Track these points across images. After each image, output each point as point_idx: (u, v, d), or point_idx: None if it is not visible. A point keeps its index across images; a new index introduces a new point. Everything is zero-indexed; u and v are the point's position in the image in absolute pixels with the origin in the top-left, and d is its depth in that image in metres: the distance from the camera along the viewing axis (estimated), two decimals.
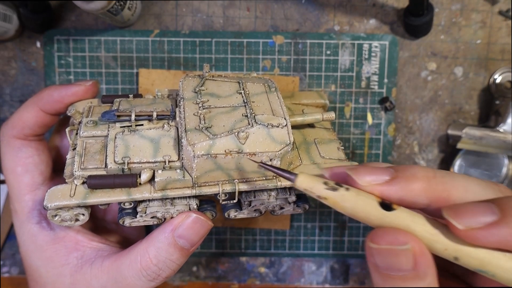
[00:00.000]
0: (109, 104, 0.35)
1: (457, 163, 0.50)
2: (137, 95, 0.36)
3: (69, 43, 0.49)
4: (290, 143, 0.30)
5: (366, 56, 0.50)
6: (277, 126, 0.30)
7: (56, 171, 0.38)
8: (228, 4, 0.49)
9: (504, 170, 0.48)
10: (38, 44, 0.49)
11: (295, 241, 0.51)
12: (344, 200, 0.23)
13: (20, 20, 0.47)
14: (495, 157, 0.49)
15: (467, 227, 0.21)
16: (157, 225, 0.33)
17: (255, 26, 0.49)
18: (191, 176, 0.30)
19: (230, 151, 0.29)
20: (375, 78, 0.50)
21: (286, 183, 0.32)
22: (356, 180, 0.23)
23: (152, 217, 0.33)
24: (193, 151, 0.29)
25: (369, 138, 0.51)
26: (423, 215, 0.23)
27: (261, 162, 0.28)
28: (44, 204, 0.30)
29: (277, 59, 0.49)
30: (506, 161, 0.48)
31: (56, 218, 0.31)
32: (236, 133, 0.29)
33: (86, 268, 0.33)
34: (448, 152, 0.51)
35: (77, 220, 0.32)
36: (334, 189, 0.23)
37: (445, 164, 0.51)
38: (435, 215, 0.23)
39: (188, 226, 0.32)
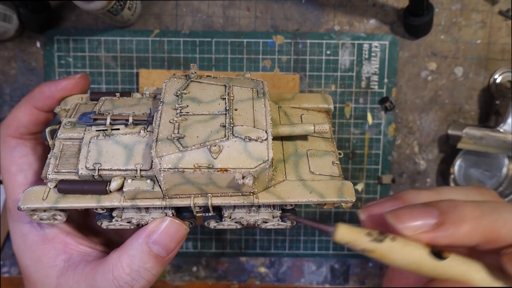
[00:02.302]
0: (96, 102, 0.34)
1: (457, 163, 0.50)
2: (125, 94, 0.35)
3: (69, 43, 0.49)
4: (268, 159, 0.28)
5: (366, 56, 0.50)
6: (256, 140, 0.28)
7: None
8: (228, 4, 0.49)
9: (504, 170, 0.48)
10: (38, 44, 0.49)
11: (295, 241, 0.51)
12: (393, 252, 0.21)
13: (20, 20, 0.47)
14: (495, 157, 0.49)
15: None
16: (134, 230, 0.32)
17: (255, 26, 0.49)
18: (161, 188, 0.29)
19: (199, 166, 0.27)
20: (375, 78, 0.50)
21: (264, 201, 0.29)
22: (401, 229, 0.22)
23: (128, 222, 0.32)
24: (160, 163, 0.27)
25: (369, 138, 0.51)
26: (475, 261, 0.22)
27: (296, 216, 0.27)
28: (18, 205, 0.30)
29: (277, 59, 0.49)
30: (506, 161, 0.48)
31: (35, 216, 0.31)
32: (209, 146, 0.27)
33: (70, 272, 0.33)
34: (448, 152, 0.51)
35: (55, 219, 0.32)
36: (379, 241, 0.21)
37: (445, 164, 0.51)
38: (484, 253, 0.23)
39: (163, 231, 0.30)
